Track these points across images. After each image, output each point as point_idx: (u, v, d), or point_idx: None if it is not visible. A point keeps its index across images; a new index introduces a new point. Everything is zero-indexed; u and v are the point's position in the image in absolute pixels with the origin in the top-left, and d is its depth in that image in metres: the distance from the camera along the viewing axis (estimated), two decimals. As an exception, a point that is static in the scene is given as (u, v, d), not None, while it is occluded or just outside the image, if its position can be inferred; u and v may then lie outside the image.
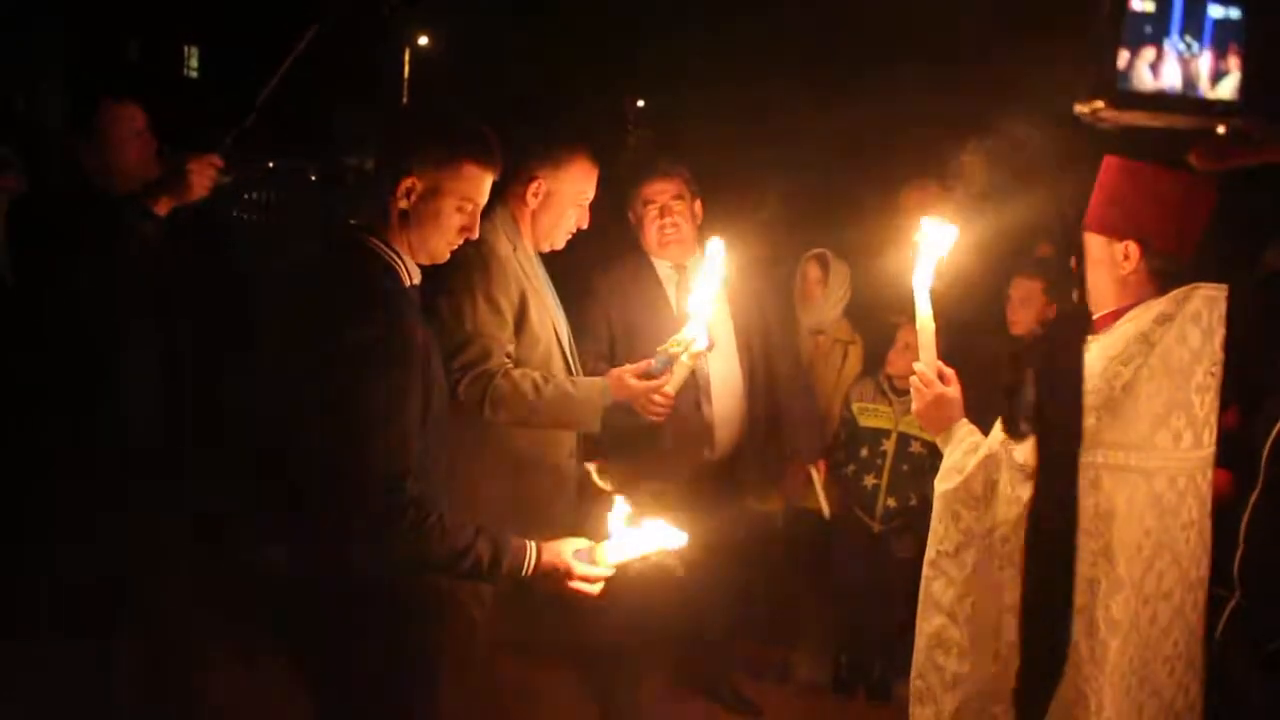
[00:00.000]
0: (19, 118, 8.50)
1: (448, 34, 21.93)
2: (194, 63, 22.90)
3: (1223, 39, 0.86)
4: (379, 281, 1.80)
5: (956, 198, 3.40)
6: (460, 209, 1.86)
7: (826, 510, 3.33)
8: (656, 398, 2.46)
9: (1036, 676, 1.81)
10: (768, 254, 3.31)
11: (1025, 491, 1.84)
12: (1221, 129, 0.83)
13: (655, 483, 2.81)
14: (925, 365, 2.05)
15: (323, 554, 1.76)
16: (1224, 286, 1.83)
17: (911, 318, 2.08)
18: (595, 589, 1.85)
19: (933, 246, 2.02)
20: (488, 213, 2.06)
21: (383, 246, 1.83)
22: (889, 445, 3.34)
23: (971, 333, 2.81)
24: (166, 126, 2.65)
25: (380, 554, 1.73)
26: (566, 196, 2.60)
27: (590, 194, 2.64)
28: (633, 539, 1.87)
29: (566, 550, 1.84)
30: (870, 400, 3.40)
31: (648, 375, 2.46)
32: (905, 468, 3.30)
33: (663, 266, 3.08)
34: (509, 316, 2.49)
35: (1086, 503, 1.79)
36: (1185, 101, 0.82)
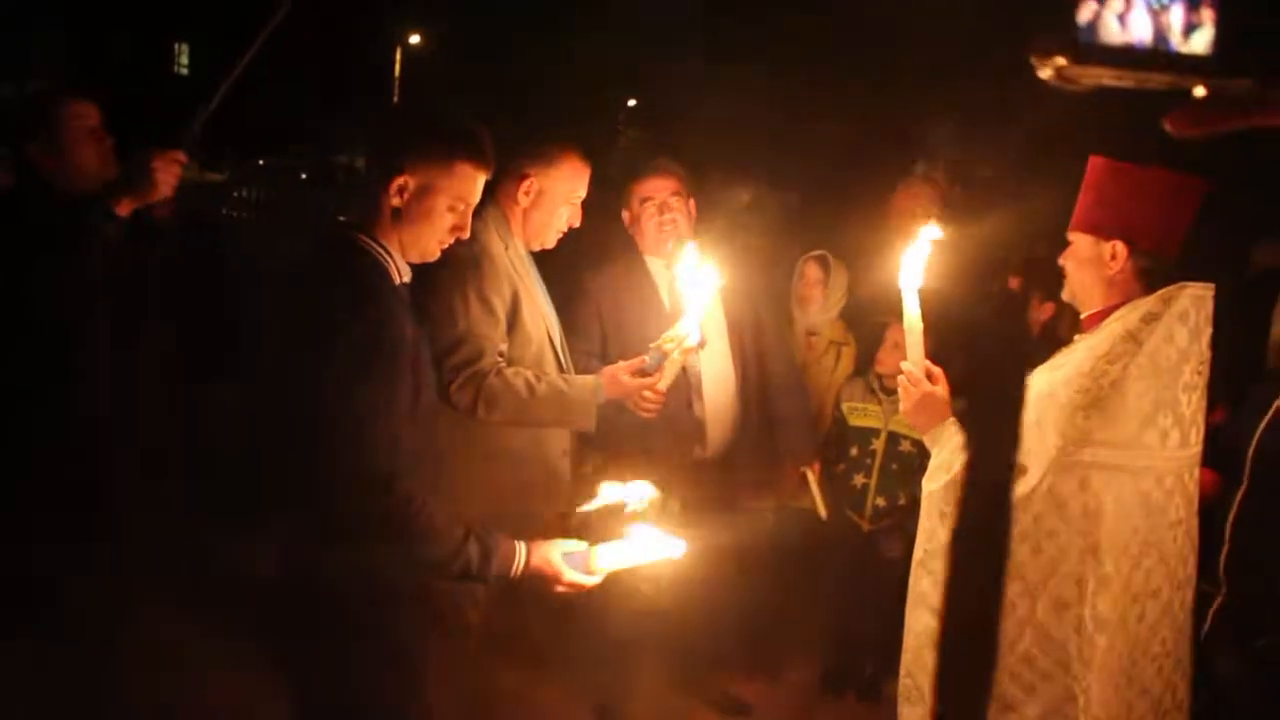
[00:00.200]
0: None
1: (440, 32, 21.91)
2: (184, 60, 22.81)
3: None
4: (369, 278, 1.79)
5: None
6: (453, 208, 1.86)
7: (823, 511, 3.31)
8: (648, 394, 2.47)
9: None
10: (764, 254, 3.30)
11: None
12: (1200, 90, 0.77)
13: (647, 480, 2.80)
14: (913, 364, 2.07)
15: (310, 553, 1.75)
16: (1211, 285, 1.84)
17: (900, 316, 2.09)
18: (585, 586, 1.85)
19: (921, 247, 2.03)
20: (479, 211, 2.06)
21: (373, 244, 1.82)
22: (878, 444, 3.34)
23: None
24: (155, 124, 2.59)
25: (369, 553, 1.72)
26: (558, 195, 2.60)
27: (582, 192, 2.64)
28: (629, 547, 1.86)
29: (555, 553, 1.83)
30: (860, 400, 3.40)
31: (642, 372, 2.46)
32: (895, 467, 3.31)
33: (655, 264, 3.08)
34: (501, 315, 2.48)
35: (1075, 502, 1.80)
36: (1156, 55, 0.76)
